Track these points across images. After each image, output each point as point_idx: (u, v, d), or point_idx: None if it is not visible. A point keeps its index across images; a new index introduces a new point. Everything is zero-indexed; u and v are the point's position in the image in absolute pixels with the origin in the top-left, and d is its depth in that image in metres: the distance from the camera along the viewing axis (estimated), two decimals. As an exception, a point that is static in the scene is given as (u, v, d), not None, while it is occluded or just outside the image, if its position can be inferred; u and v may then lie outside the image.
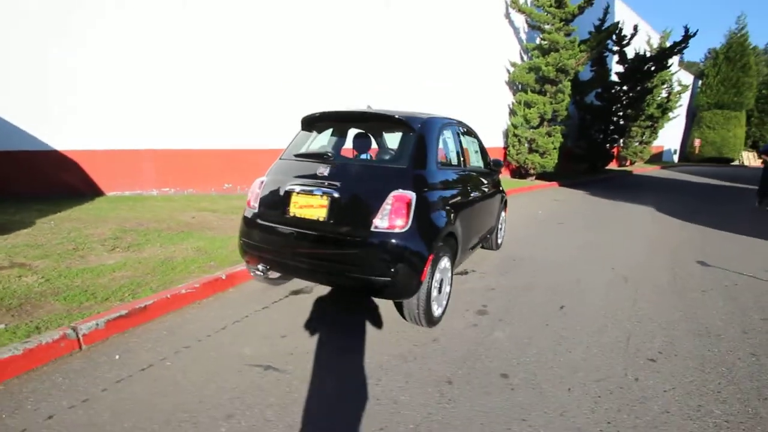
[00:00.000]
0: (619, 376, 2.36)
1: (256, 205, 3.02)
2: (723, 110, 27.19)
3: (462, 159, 3.61)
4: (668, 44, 17.39)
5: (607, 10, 13.23)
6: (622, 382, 2.30)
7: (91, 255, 3.83)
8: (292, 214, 2.81)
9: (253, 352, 2.48)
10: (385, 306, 3.20)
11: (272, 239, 2.91)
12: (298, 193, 2.81)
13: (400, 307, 3.06)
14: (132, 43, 6.46)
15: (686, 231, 6.59)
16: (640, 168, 20.91)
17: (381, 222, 2.53)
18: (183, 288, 3.09)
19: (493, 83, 12.22)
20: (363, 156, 3.31)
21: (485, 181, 4.09)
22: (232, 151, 7.40)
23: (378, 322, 2.94)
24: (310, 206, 2.74)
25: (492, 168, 4.32)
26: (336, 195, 2.66)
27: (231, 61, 7.13)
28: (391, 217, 2.52)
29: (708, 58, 34.36)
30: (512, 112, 12.39)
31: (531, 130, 11.93)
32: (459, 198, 3.23)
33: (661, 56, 14.42)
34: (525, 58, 12.77)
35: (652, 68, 14.81)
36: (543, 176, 12.83)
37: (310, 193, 2.76)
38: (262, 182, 3.09)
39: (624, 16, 17.27)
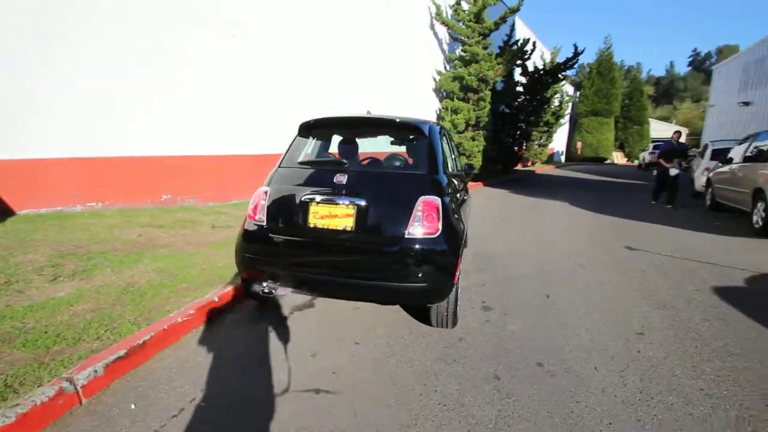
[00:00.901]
0: (625, 350, 2.70)
1: (263, 217, 2.79)
2: (597, 117, 32.09)
3: (454, 164, 3.77)
4: (558, 59, 20.03)
5: (513, 27, 14.79)
6: (630, 355, 2.64)
7: (31, 288, 3.15)
8: (312, 225, 2.66)
9: (293, 378, 2.30)
10: (390, 311, 3.20)
11: (287, 253, 2.72)
12: (318, 202, 2.67)
13: (418, 313, 3.09)
14: (37, 31, 5.42)
15: (601, 221, 7.68)
16: (540, 168, 23.65)
17: (414, 229, 2.54)
18: (178, 317, 2.72)
19: (422, 90, 12.82)
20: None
21: (464, 184, 4.31)
22: (171, 158, 6.62)
23: (397, 330, 2.93)
24: (334, 216, 2.63)
25: (466, 171, 4.57)
26: (362, 203, 2.59)
27: (162, 53, 6.38)
28: (424, 223, 2.54)
29: (580, 72, 40.20)
30: (440, 118, 13.11)
31: (458, 134, 12.75)
32: (458, 201, 3.37)
33: (557, 70, 16.54)
34: (448, 67, 13.62)
35: (549, 80, 16.88)
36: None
37: (332, 202, 2.64)
38: (265, 192, 2.86)
39: (523, 33, 19.41)
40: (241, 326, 2.90)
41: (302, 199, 2.71)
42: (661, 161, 9.39)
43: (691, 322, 3.17)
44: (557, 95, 21.53)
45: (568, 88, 29.27)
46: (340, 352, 2.59)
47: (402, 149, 3.70)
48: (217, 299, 3.09)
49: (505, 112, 16.59)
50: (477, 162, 13.02)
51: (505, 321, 3.12)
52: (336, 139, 3.56)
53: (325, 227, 2.63)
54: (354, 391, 2.19)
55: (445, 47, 13.79)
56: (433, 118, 13.31)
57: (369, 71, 10.29)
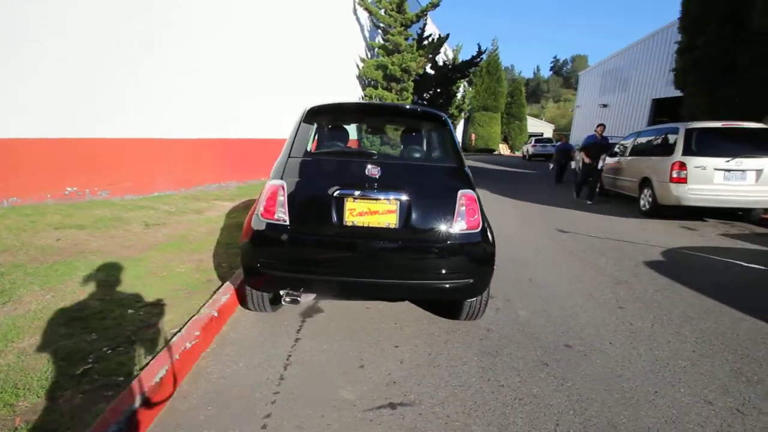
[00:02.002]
0: (621, 324, 3.06)
1: (284, 215, 2.41)
2: (487, 112, 35.42)
3: None
4: (459, 57, 21.45)
5: (426, 22, 15.30)
6: (627, 328, 3.00)
7: (-66, 326, 2.24)
8: (349, 223, 2.39)
9: (354, 394, 2.07)
10: (402, 307, 3.11)
11: (318, 255, 2.42)
12: (356, 198, 2.41)
13: (430, 306, 3.04)
14: None
15: (524, 208, 8.55)
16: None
17: (459, 224, 2.47)
18: (186, 342, 2.21)
19: (346, 77, 12.51)
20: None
21: None
22: (74, 142, 5.29)
23: (424, 327, 2.85)
24: (375, 213, 2.41)
25: None
26: (405, 198, 2.43)
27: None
28: (468, 218, 2.49)
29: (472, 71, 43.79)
30: (364, 106, 13.02)
31: (382, 123, 12.83)
32: None
33: (465, 66, 17.67)
34: (370, 55, 13.51)
35: (457, 76, 17.98)
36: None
37: (372, 197, 2.41)
38: (282, 187, 2.47)
39: (432, 29, 20.24)
40: (258, 347, 2.49)
41: (335, 194, 2.42)
42: (583, 155, 9.16)
43: (648, 293, 3.73)
44: (459, 90, 23.09)
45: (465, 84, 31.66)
46: (385, 359, 2.42)
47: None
48: (216, 314, 2.60)
49: (421, 103, 17.24)
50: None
51: (513, 308, 3.27)
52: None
53: (365, 225, 2.40)
54: (429, 397, 2.06)
55: (367, 34, 13.64)
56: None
57: (288, 52, 9.62)
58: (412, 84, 12.84)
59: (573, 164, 10.53)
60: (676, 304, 3.49)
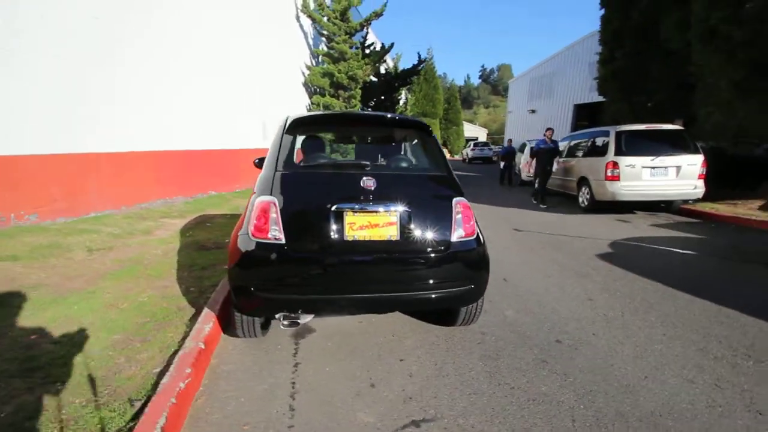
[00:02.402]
0: (596, 316, 3.27)
1: (279, 233, 2.27)
2: (426, 118, 36.51)
3: None
4: (399, 65, 21.92)
5: (368, 31, 15.45)
6: (602, 319, 3.21)
7: None
8: (350, 239, 2.30)
9: (374, 416, 1.98)
10: (394, 318, 3.08)
11: (318, 274, 2.29)
12: (355, 211, 2.32)
13: (419, 314, 3.03)
14: None
15: (480, 210, 8.91)
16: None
17: (457, 232, 2.49)
18: (179, 381, 1.98)
19: (292, 84, 12.21)
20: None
21: None
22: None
23: (423, 337, 2.84)
24: (375, 226, 2.34)
25: None
26: (404, 209, 2.40)
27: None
28: (465, 225, 2.52)
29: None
30: (312, 114, 12.79)
31: (331, 131, 12.69)
32: None
33: (406, 74, 18.08)
34: (314, 62, 13.33)
35: (399, 84, 18.35)
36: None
37: (371, 210, 2.35)
38: (272, 203, 2.32)
39: (372, 38, 20.49)
40: (256, 378, 2.30)
41: (333, 208, 2.32)
42: (532, 161, 9.46)
43: (609, 284, 4.04)
44: (402, 97, 23.57)
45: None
46: (393, 374, 2.36)
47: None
48: (203, 345, 2.36)
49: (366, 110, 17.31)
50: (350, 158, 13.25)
51: (498, 309, 3.36)
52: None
53: (366, 239, 2.33)
54: (449, 410, 2.04)
55: (311, 41, 13.46)
56: (303, 113, 12.88)
57: (231, 59, 9.21)
58: (359, 92, 12.88)
59: (517, 167, 11.19)
60: (636, 292, 3.81)
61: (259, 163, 4.47)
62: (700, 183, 7.40)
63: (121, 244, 4.54)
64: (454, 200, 2.56)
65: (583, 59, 22.01)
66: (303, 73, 12.66)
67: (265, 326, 2.64)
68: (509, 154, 13.32)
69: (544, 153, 8.96)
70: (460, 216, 2.52)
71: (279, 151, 2.62)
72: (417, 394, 2.17)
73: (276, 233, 2.26)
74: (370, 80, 14.94)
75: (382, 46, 14.65)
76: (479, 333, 2.91)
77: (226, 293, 3.16)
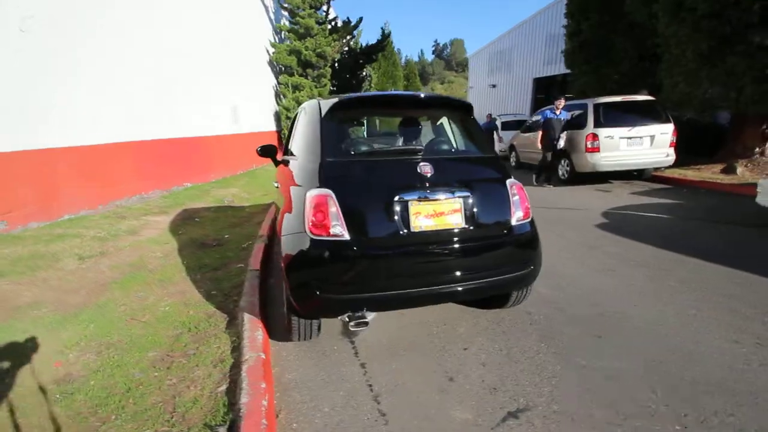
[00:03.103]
0: (626, 287, 3.38)
1: (341, 228, 2.09)
2: (388, 95, 36.14)
3: None
4: (360, 42, 21.27)
5: (329, 5, 14.74)
6: (633, 290, 3.31)
7: None
8: (416, 229, 2.18)
9: (469, 412, 1.93)
10: (435, 307, 3.03)
11: (385, 269, 2.16)
12: (419, 200, 2.19)
13: (476, 300, 2.98)
14: None
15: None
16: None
17: (516, 214, 2.43)
18: (261, 400, 1.80)
19: (257, 63, 11.48)
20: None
21: None
22: None
23: (474, 322, 2.81)
24: (440, 214, 2.23)
25: None
26: (466, 194, 2.30)
27: None
28: (522, 206, 2.47)
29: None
30: (281, 95, 12.15)
31: (302, 112, 12.15)
32: None
33: (371, 50, 17.58)
34: (278, 39, 12.57)
35: (364, 60, 17.84)
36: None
37: (434, 198, 2.22)
38: (331, 196, 2.13)
39: (332, 13, 19.62)
40: (329, 384, 2.15)
41: (396, 198, 2.17)
42: (540, 136, 8.15)
43: (622, 255, 4.19)
44: (366, 74, 23.02)
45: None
46: (465, 365, 2.31)
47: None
48: (263, 355, 2.18)
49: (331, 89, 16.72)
50: (324, 141, 12.82)
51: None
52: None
53: (433, 229, 2.22)
54: (538, 396, 2.03)
55: (272, 16, 12.63)
56: (270, 94, 12.22)
57: (190, 39, 8.46)
58: (329, 70, 12.36)
59: (499, 144, 11.28)
60: (648, 260, 3.99)
61: (264, 152, 4.18)
62: (671, 151, 7.85)
63: (113, 248, 4.11)
64: (508, 182, 2.49)
65: (538, 34, 22.42)
66: (268, 51, 11.91)
67: (318, 327, 2.49)
68: (490, 130, 13.26)
69: (556, 126, 7.94)
70: (516, 198, 2.46)
71: (322, 138, 2.39)
72: (499, 383, 2.14)
73: (339, 229, 2.09)
74: (340, 57, 14.40)
75: (347, 21, 14.08)
76: (525, 313, 2.92)
77: (258, 295, 2.95)
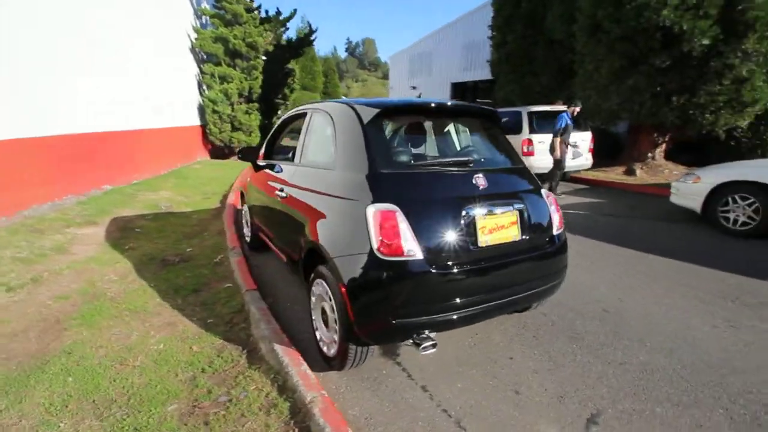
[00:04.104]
0: (611, 284, 3.73)
1: (414, 246, 1.93)
2: (306, 91, 35.07)
3: None
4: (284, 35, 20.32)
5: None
6: (616, 283, 3.67)
7: None
8: (483, 244, 2.11)
9: (553, 426, 1.93)
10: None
11: (461, 287, 2.06)
12: (485, 214, 2.11)
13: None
14: None
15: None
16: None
17: (556, 223, 2.50)
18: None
19: (176, 50, 10.19)
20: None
21: None
22: None
23: (501, 329, 2.84)
24: (501, 227, 2.19)
25: None
26: (521, 206, 2.29)
27: None
28: (559, 216, 2.54)
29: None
30: (206, 86, 10.98)
31: (231, 107, 11.16)
32: None
33: (298, 45, 16.87)
34: (199, 23, 11.33)
35: (290, 55, 17.07)
36: (244, 155, 12.51)
37: (495, 212, 2.18)
38: (398, 212, 1.95)
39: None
40: (399, 415, 1.97)
41: (462, 213, 2.07)
42: (559, 142, 7.57)
43: (588, 252, 4.62)
44: (292, 69, 22.02)
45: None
46: (520, 375, 2.32)
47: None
48: (325, 393, 1.91)
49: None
50: (256, 138, 11.98)
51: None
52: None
53: (497, 243, 2.17)
54: (601, 399, 2.11)
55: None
56: (193, 85, 11.00)
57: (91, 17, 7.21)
58: (261, 62, 11.52)
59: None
60: (612, 256, 4.42)
61: (245, 155, 3.71)
62: (590, 155, 8.93)
63: (46, 273, 3.28)
64: (543, 192, 2.55)
65: (456, 41, 23.82)
66: (189, 37, 10.64)
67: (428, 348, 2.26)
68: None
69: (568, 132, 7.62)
70: (553, 207, 2.53)
71: (368, 148, 2.17)
72: (561, 390, 2.18)
73: (411, 247, 1.92)
74: (274, 49, 13.52)
75: (278, 12, 13.28)
76: (542, 315, 3.05)
77: (271, 318, 2.60)
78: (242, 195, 4.39)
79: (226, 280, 3.42)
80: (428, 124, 2.75)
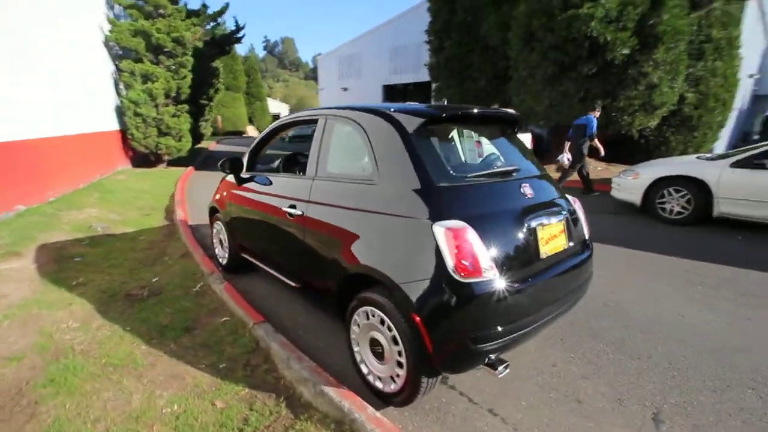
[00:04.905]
0: (609, 279, 3.96)
1: (491, 266, 1.81)
2: (229, 92, 32.93)
3: None
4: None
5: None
6: (603, 276, 3.91)
7: None
8: (544, 255, 2.06)
9: (629, 430, 1.93)
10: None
11: (531, 302, 1.99)
12: (543, 225, 2.07)
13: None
14: None
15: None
16: (209, 143, 22.35)
17: (585, 228, 2.55)
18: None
19: (87, 44, 8.79)
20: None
21: None
22: None
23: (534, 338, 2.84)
24: (554, 237, 2.17)
25: None
26: (565, 214, 2.30)
27: None
28: (587, 221, 2.59)
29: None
30: (125, 85, 9.66)
31: (156, 108, 9.97)
32: None
33: (224, 41, 15.70)
34: (112, 14, 9.92)
35: (217, 52, 15.84)
36: (175, 161, 11.28)
37: (550, 222, 2.17)
38: (469, 229, 1.81)
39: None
40: None
41: (524, 225, 2.00)
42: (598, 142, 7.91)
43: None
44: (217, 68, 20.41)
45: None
46: (573, 383, 2.32)
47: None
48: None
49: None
50: (187, 143, 10.89)
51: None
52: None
53: (554, 252, 2.15)
54: (652, 395, 2.19)
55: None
56: (109, 84, 9.63)
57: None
58: (191, 59, 10.45)
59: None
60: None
61: (233, 167, 3.29)
62: (531, 155, 9.58)
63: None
64: (570, 198, 2.59)
65: (383, 44, 24.14)
66: (102, 29, 9.24)
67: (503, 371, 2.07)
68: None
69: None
70: (581, 212, 2.58)
71: (415, 159, 1.99)
72: (616, 394, 2.22)
73: (489, 266, 1.79)
74: (203, 46, 12.34)
75: (204, 6, 12.18)
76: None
77: (302, 355, 2.30)
78: (213, 210, 3.88)
79: (219, 312, 2.97)
80: (466, 132, 2.62)
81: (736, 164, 5.16)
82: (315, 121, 2.70)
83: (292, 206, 2.59)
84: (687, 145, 10.91)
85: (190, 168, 11.21)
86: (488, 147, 2.75)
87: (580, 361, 2.52)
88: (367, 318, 2.07)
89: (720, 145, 13.61)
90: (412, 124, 2.10)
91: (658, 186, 5.90)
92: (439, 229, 1.79)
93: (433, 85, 13.65)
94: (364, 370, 2.16)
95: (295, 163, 3.43)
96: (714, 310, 3.18)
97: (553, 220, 2.19)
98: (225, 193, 3.60)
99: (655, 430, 1.95)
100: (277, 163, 3.58)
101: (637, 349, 2.65)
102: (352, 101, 27.05)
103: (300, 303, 3.17)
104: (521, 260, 1.96)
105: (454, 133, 2.46)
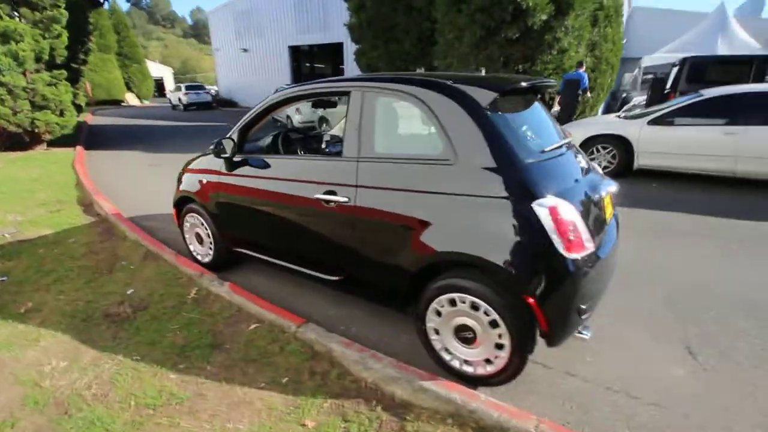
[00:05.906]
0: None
1: (589, 238, 1.86)
2: (99, 53, 27.49)
3: None
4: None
5: None
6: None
7: None
8: (608, 224, 2.21)
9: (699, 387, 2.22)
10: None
11: (608, 270, 2.15)
12: (604, 195, 2.21)
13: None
14: None
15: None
16: (86, 116, 18.66)
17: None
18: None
19: None
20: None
21: None
22: None
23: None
24: (608, 205, 2.30)
25: None
26: (609, 183, 2.41)
27: None
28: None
29: None
30: (-27, 45, 7.39)
31: (24, 75, 7.91)
32: None
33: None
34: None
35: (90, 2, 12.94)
36: (56, 141, 9.21)
37: (606, 192, 2.29)
38: (568, 205, 1.82)
39: None
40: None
41: (596, 196, 2.09)
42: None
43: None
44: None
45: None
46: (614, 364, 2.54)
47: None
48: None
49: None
50: (72, 118, 8.95)
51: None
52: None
53: (610, 218, 2.29)
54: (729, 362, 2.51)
55: None
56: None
57: None
58: (65, 13, 8.32)
59: None
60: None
61: (218, 150, 2.79)
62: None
63: None
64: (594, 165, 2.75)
65: (289, 1, 22.10)
66: None
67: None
68: None
69: None
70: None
71: (498, 136, 1.89)
72: (670, 388, 2.51)
73: (589, 242, 1.85)
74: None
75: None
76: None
77: (376, 352, 2.15)
78: (183, 201, 3.29)
79: (239, 319, 2.59)
80: (527, 103, 2.49)
81: (652, 122, 6.01)
82: (344, 94, 2.38)
83: (330, 192, 2.29)
84: (585, 106, 12.38)
85: (79, 148, 9.26)
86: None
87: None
88: (453, 305, 1.99)
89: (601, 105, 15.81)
90: (485, 98, 1.97)
91: (588, 144, 6.63)
92: (542, 209, 1.76)
93: (355, 47, 13.10)
94: (446, 357, 2.10)
95: (294, 143, 3.02)
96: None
97: (606, 190, 2.30)
98: (206, 181, 3.04)
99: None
100: (267, 143, 3.13)
101: (701, 314, 2.68)
102: (256, 64, 24.79)
103: (321, 295, 2.91)
104: (600, 228, 2.07)
105: (521, 106, 2.35)
